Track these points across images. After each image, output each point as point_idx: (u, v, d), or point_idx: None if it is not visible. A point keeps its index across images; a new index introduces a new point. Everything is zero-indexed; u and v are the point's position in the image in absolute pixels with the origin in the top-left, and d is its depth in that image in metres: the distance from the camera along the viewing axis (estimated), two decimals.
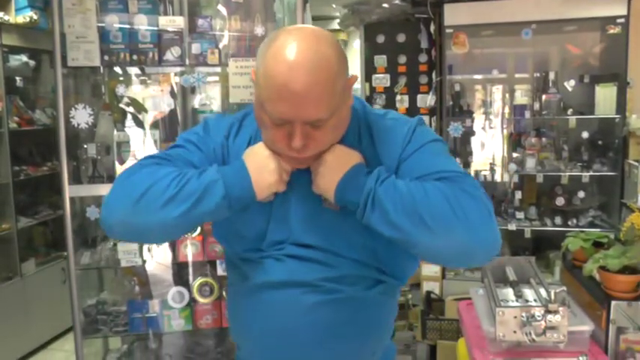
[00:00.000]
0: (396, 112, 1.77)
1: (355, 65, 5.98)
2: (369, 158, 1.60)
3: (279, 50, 1.43)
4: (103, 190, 3.42)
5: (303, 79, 1.39)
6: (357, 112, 1.67)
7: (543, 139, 4.83)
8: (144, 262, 3.48)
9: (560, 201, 4.70)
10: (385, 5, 4.92)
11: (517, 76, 5.03)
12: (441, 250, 1.49)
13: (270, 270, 1.66)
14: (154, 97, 3.60)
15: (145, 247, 3.47)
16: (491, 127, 4.94)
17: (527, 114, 4.69)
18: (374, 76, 5.10)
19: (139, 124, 3.53)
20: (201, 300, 3.49)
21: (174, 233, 1.66)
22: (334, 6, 6.51)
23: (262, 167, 1.55)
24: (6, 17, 5.22)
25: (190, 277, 3.56)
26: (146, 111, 3.56)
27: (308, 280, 1.63)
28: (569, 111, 4.61)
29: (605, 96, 4.49)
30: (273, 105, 1.44)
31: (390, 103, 5.04)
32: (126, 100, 3.49)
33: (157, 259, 3.57)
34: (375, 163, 1.59)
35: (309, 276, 1.63)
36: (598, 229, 4.35)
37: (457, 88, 4.89)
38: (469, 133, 4.84)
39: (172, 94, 3.63)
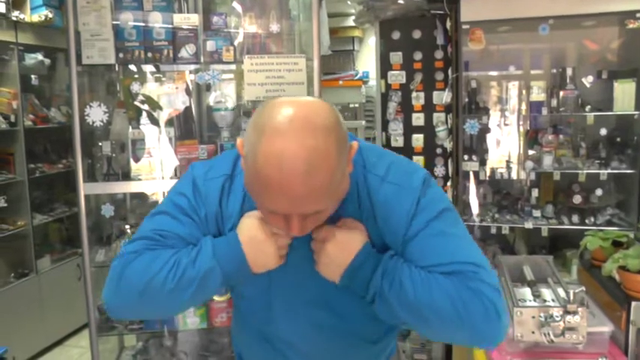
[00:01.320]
0: (398, 165, 1.61)
1: (371, 62, 5.95)
2: (371, 230, 1.53)
3: (269, 147, 1.28)
4: (118, 187, 3.44)
5: (298, 186, 1.27)
6: (357, 171, 1.53)
7: (560, 136, 4.78)
8: None
9: (577, 199, 4.65)
10: (400, 1, 4.89)
11: (534, 72, 4.98)
12: (444, 339, 1.57)
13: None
14: (168, 94, 3.60)
15: None
16: (507, 124, 4.90)
17: (544, 111, 4.64)
18: (389, 73, 5.07)
19: (154, 121, 3.53)
20: (216, 298, 3.48)
21: (181, 311, 1.68)
22: (349, 2, 6.48)
23: (259, 251, 1.48)
24: (21, 16, 5.23)
25: None
26: (161, 108, 3.56)
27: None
28: (587, 107, 4.55)
29: (623, 92, 4.43)
30: (266, 201, 1.36)
31: (406, 100, 5.00)
32: (141, 97, 3.49)
33: None
34: (376, 235, 1.53)
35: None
36: (616, 228, 4.30)
37: (473, 84, 4.85)
38: (485, 130, 4.80)
39: (187, 91, 3.62)
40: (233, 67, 3.54)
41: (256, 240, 1.47)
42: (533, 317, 2.51)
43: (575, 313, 2.47)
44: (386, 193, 1.53)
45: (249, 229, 1.49)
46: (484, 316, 1.40)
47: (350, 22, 7.13)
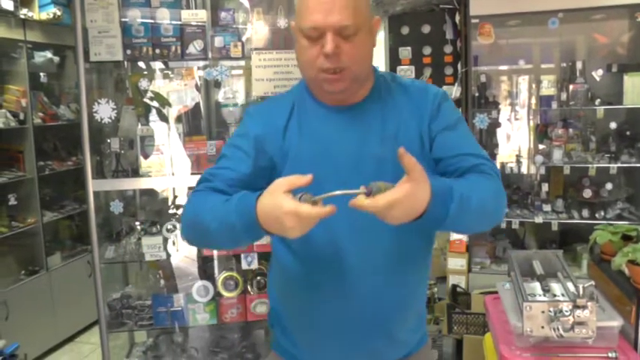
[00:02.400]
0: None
1: (380, 57, 5.95)
2: (408, 119, 1.83)
3: None
4: (127, 184, 3.44)
5: None
6: (386, 78, 1.94)
7: (570, 130, 4.77)
8: (168, 255, 3.49)
9: (587, 193, 4.63)
10: None
11: (544, 66, 4.96)
12: (474, 231, 1.96)
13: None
14: (177, 91, 3.59)
15: (170, 241, 3.48)
16: (517, 119, 4.89)
17: (554, 104, 4.62)
18: (398, 68, 5.06)
19: (163, 118, 3.53)
20: (226, 294, 3.49)
21: (233, 247, 2.04)
22: None
23: (283, 231, 1.51)
24: (30, 14, 5.24)
25: (215, 271, 3.56)
26: (170, 105, 3.56)
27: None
28: (597, 101, 4.53)
29: (633, 85, 4.41)
30: (306, 18, 1.71)
31: None
32: (149, 94, 3.49)
33: (182, 252, 3.57)
34: (412, 122, 1.83)
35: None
36: (626, 222, 4.29)
37: (483, 79, 4.84)
38: (495, 124, 4.78)
39: (196, 87, 3.62)
40: (241, 62, 3.54)
41: (278, 222, 1.50)
42: (543, 312, 2.49)
43: (584, 307, 2.45)
44: (415, 86, 1.93)
45: (271, 213, 1.52)
46: (504, 204, 1.85)
47: None
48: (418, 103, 1.85)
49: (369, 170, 1.73)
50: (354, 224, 1.74)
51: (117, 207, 3.41)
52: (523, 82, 4.82)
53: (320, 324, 1.90)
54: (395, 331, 1.93)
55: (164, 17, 3.32)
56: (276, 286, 2.06)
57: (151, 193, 3.89)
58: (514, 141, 4.91)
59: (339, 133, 1.82)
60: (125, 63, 3.51)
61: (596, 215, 4.54)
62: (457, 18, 4.82)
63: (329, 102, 1.85)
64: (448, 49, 4.96)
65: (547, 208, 4.69)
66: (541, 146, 4.80)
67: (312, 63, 1.73)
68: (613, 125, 4.58)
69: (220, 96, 3.68)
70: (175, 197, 3.86)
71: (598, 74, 4.62)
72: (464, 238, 4.67)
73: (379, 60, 6.18)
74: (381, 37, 5.70)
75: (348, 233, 1.79)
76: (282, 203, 1.47)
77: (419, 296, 2.02)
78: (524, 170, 4.82)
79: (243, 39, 3.41)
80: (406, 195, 1.45)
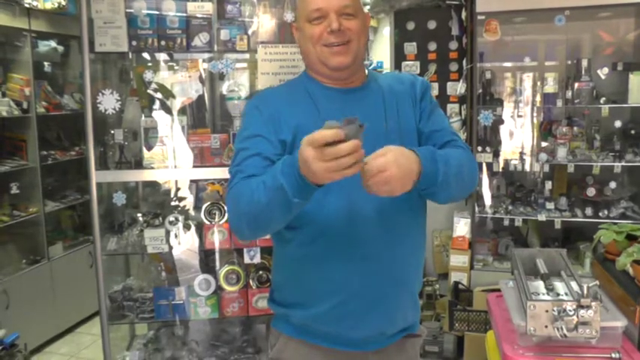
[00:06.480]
0: None
1: (385, 52, 5.93)
2: (400, 94, 2.07)
3: None
4: (130, 175, 3.43)
5: None
6: (373, 72, 2.16)
7: (575, 128, 4.76)
8: (170, 248, 3.48)
9: (591, 191, 4.63)
10: None
11: (548, 63, 4.95)
12: (455, 198, 2.05)
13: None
14: (181, 83, 3.58)
15: (172, 233, 3.47)
16: (520, 116, 4.87)
17: (559, 102, 4.61)
18: (404, 64, 5.05)
19: (167, 110, 3.52)
20: (227, 288, 3.48)
21: (281, 224, 1.92)
22: None
23: (310, 170, 1.59)
24: (34, 3, 5.23)
25: (217, 265, 3.55)
26: (174, 97, 3.54)
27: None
28: (602, 99, 4.52)
29: (638, 84, 4.39)
30: (309, 3, 1.92)
31: None
32: (154, 86, 3.48)
33: (184, 245, 3.56)
34: (404, 95, 2.08)
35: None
36: (629, 221, 4.27)
37: (488, 75, 4.82)
38: (499, 121, 4.77)
39: (200, 80, 3.61)
40: (247, 56, 3.52)
41: (307, 162, 1.57)
42: (547, 311, 2.49)
43: (588, 307, 2.45)
44: (405, 75, 2.20)
45: (302, 155, 1.59)
46: (477, 172, 2.13)
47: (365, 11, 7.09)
48: (410, 87, 2.10)
49: (378, 143, 1.79)
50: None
51: (120, 199, 3.39)
52: (528, 79, 4.81)
53: (341, 287, 1.97)
54: (409, 292, 2.09)
55: (170, 9, 3.31)
56: (286, 262, 2.11)
57: (153, 185, 3.88)
58: (518, 138, 4.90)
59: (348, 111, 1.83)
60: (130, 54, 3.50)
61: (600, 214, 4.53)
62: (463, 14, 4.81)
63: (334, 84, 2.03)
64: (454, 45, 4.95)
65: (550, 205, 4.68)
66: (545, 144, 4.79)
67: (317, 40, 1.95)
68: (618, 124, 4.57)
69: (224, 89, 3.66)
70: (178, 189, 3.85)
71: (603, 72, 4.60)
72: (466, 235, 4.66)
73: (385, 55, 6.18)
74: (387, 33, 5.69)
75: (361, 199, 1.90)
76: (303, 140, 1.57)
77: (419, 270, 2.17)
78: (527, 168, 4.81)
79: (249, 32, 3.39)
80: (393, 149, 1.67)
